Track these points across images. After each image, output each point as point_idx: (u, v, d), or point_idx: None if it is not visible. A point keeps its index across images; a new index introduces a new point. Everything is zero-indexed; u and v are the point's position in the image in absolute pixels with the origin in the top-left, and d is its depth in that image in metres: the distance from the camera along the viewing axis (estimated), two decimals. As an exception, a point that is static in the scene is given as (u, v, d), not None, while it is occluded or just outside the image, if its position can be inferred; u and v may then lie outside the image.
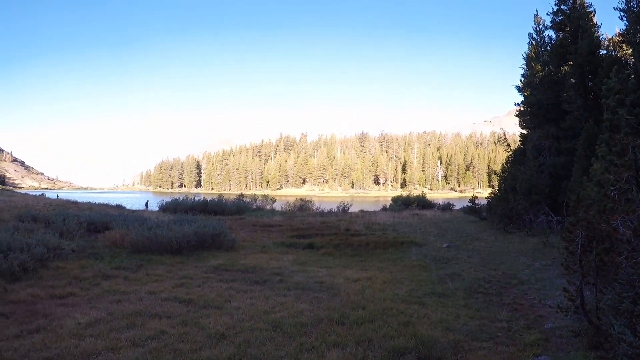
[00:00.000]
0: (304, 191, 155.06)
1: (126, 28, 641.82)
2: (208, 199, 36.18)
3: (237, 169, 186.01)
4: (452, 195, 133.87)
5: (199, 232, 14.96)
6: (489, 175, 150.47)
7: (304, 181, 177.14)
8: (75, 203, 38.14)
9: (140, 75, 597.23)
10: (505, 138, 31.56)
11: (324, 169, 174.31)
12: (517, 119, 26.84)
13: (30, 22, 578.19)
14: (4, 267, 9.91)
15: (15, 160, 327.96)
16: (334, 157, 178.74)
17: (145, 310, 7.74)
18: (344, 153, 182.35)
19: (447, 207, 38.63)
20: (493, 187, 27.01)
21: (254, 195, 47.27)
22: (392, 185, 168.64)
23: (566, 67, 22.46)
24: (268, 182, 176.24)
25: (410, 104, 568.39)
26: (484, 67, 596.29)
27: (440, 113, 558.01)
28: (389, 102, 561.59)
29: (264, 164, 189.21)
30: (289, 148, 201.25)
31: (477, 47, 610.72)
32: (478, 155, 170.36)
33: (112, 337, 6.47)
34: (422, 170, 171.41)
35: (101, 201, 44.44)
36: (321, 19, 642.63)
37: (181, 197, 38.27)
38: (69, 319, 7.28)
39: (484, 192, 71.81)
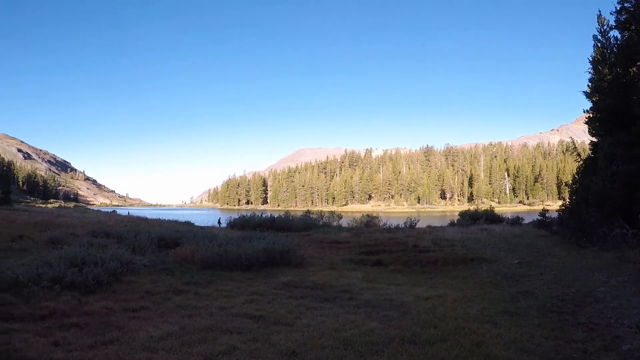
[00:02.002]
0: (369, 207, 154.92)
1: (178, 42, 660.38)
2: (275, 216, 36.52)
3: (303, 186, 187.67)
4: (521, 208, 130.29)
5: (268, 249, 15.00)
6: (559, 187, 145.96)
7: (370, 197, 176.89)
8: (145, 219, 39.52)
9: (205, 93, 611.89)
10: (575, 147, 30.33)
11: (389, 184, 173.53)
12: (585, 127, 25.59)
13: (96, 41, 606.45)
14: (78, 280, 10.26)
15: (87, 179, 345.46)
16: (400, 172, 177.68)
17: (217, 326, 7.76)
18: (409, 168, 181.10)
19: (516, 221, 37.38)
20: (564, 199, 25.85)
21: (321, 211, 47.29)
22: (458, 200, 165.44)
23: (634, 69, 21.25)
24: (334, 198, 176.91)
25: (473, 114, 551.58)
26: (548, 73, 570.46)
27: (505, 122, 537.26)
28: (453, 113, 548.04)
29: (330, 180, 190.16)
30: (354, 164, 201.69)
31: (540, 53, 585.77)
32: (546, 166, 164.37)
33: (184, 351, 6.48)
34: (489, 184, 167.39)
35: (170, 218, 45.83)
36: (378, 31, 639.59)
37: (248, 214, 38.89)
38: (141, 332, 7.38)
39: (553, 205, 69.42)
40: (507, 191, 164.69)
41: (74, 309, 8.76)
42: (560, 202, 27.02)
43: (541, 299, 10.09)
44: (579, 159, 26.60)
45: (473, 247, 20.25)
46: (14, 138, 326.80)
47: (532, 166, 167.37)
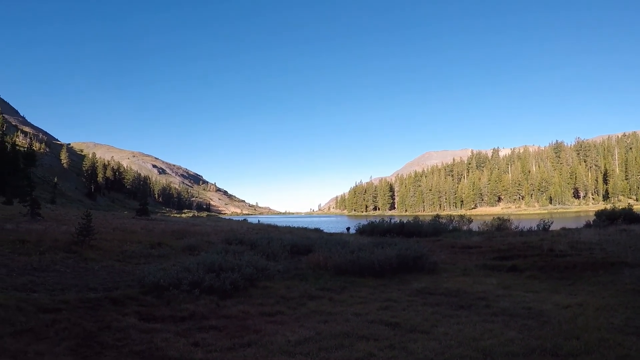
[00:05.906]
0: (499, 209, 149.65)
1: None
2: (404, 221, 36.10)
3: (430, 190, 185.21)
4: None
5: (401, 255, 14.83)
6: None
7: (499, 199, 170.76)
8: (275, 227, 40.90)
9: (331, 101, 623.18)
10: None
11: (519, 184, 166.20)
12: None
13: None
14: (216, 285, 10.80)
15: (218, 190, 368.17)
16: (529, 172, 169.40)
17: (352, 332, 7.74)
18: (539, 166, 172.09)
19: (659, 219, 34.13)
20: None
21: (450, 215, 46.47)
22: (593, 198, 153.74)
23: None
24: (462, 201, 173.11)
25: (604, 102, 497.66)
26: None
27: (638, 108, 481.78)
28: (583, 104, 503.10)
29: (457, 183, 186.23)
30: (481, 165, 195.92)
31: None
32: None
33: (322, 357, 6.53)
34: (626, 179, 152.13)
35: (299, 225, 46.95)
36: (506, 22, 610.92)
37: (377, 220, 38.74)
38: (278, 336, 7.53)
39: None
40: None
41: (212, 312, 9.19)
42: None
43: (689, 309, 9.12)
44: None
45: (612, 250, 18.73)
46: (149, 155, 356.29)
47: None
